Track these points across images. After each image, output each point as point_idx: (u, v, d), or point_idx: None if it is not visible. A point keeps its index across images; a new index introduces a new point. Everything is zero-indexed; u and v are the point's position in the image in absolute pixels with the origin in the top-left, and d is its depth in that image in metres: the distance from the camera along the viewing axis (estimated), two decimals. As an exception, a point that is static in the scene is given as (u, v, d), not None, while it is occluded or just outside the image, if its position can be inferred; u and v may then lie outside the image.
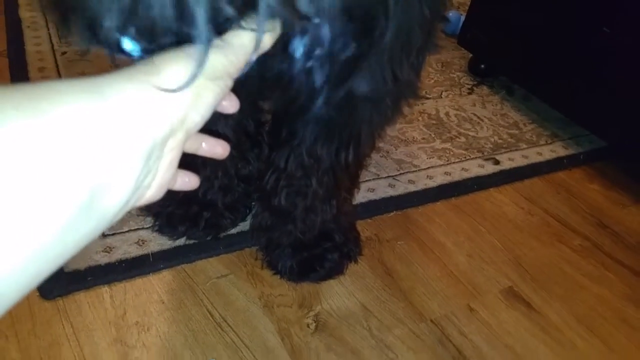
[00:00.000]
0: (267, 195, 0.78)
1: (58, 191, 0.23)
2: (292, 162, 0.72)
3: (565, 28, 1.22)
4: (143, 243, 0.82)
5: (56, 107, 0.23)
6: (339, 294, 0.79)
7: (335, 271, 0.82)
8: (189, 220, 0.82)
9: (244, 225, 0.88)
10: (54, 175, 0.23)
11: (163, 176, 0.31)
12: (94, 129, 0.24)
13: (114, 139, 0.25)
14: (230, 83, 0.34)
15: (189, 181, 0.40)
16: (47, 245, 0.23)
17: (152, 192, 0.32)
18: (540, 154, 1.23)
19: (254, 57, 0.34)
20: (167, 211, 0.83)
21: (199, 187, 0.82)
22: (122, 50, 0.30)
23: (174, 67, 0.29)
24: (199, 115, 0.32)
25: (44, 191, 0.22)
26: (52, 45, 1.31)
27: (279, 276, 0.80)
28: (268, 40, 0.35)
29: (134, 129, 0.27)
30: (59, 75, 1.19)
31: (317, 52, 0.51)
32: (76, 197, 0.24)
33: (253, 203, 0.86)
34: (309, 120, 0.67)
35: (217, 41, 0.31)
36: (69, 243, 0.24)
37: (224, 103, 0.39)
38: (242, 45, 0.32)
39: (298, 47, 0.50)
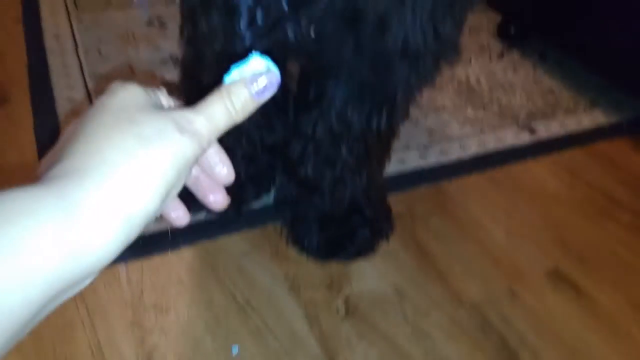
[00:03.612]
0: (293, 165, 0.71)
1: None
2: (320, 127, 0.66)
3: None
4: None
5: (22, 234, 0.22)
6: (369, 275, 0.73)
7: (366, 250, 0.75)
8: (208, 193, 0.75)
9: (268, 200, 0.82)
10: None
11: None
12: (61, 252, 0.23)
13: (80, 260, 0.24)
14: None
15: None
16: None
17: None
18: (579, 122, 1.15)
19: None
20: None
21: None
22: None
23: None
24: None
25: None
26: (68, 12, 1.22)
27: (304, 254, 0.74)
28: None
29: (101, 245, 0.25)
30: (74, 42, 1.11)
31: None
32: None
33: (277, 177, 0.80)
34: (339, 79, 0.60)
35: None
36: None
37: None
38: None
39: None
